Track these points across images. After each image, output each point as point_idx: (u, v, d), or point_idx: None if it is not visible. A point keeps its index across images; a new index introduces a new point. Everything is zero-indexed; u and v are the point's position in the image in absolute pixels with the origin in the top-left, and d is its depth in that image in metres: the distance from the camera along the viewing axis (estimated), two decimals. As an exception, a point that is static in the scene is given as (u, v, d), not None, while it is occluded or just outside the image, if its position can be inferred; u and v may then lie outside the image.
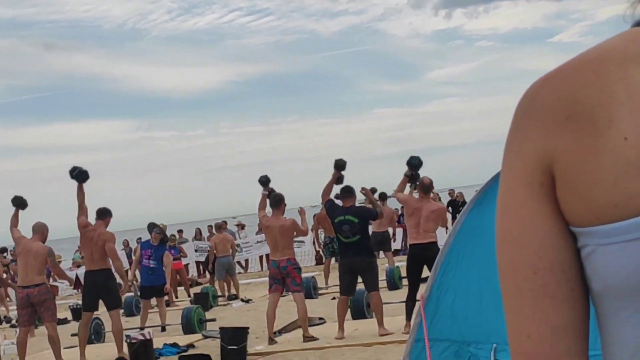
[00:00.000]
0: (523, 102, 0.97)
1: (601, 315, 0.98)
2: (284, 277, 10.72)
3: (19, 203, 11.33)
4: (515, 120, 0.98)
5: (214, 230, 23.45)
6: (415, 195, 10.83)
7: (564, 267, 0.95)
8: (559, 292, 0.95)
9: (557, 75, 0.95)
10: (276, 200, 11.00)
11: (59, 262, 24.47)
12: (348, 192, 10.84)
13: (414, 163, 10.71)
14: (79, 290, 24.60)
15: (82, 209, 11.07)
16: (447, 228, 19.94)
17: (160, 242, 14.12)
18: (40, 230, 11.01)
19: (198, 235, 25.86)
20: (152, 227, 14.45)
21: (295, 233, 11.14)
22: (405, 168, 10.69)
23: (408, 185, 10.90)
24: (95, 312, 11.59)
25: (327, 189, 10.98)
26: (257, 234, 26.67)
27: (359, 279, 10.64)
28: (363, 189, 11.33)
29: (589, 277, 0.97)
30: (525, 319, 0.96)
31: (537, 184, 0.95)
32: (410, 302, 10.02)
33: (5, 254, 22.26)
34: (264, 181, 11.38)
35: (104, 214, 11.20)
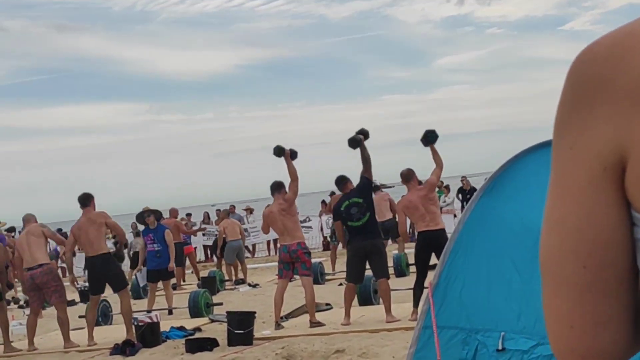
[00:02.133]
0: (589, 75, 0.89)
1: None
2: (294, 262, 10.71)
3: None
4: (576, 94, 0.90)
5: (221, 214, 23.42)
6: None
7: (616, 262, 0.90)
8: (607, 287, 0.91)
9: (636, 47, 0.87)
10: (276, 186, 10.96)
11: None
12: (342, 180, 10.85)
13: (428, 138, 10.68)
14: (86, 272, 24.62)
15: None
16: (455, 215, 19.93)
17: (157, 223, 14.15)
18: (31, 220, 11.21)
19: (206, 219, 25.91)
20: (140, 217, 14.50)
21: (293, 207, 11.01)
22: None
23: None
24: (103, 295, 11.65)
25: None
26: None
27: (367, 266, 10.64)
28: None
29: None
30: (570, 309, 0.92)
31: (601, 168, 0.88)
32: (418, 289, 10.01)
33: (13, 234, 22.26)
34: (278, 150, 11.01)
35: (86, 200, 11.13)
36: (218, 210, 24.99)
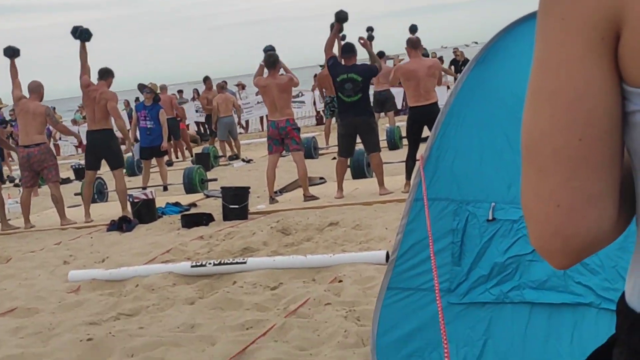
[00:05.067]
0: None
1: None
2: (283, 138, 10.71)
3: (12, 53, 11.19)
4: None
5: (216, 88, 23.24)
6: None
7: (612, 134, 0.88)
8: (601, 160, 0.88)
9: None
10: (272, 61, 10.78)
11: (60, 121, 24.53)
12: (350, 50, 10.62)
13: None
14: (81, 150, 24.76)
15: (85, 68, 10.98)
16: (448, 87, 19.86)
17: (153, 101, 14.11)
18: (37, 90, 10.95)
19: (196, 96, 25.76)
20: (141, 87, 14.42)
21: (290, 89, 10.96)
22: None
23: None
24: (98, 172, 11.67)
25: (330, 44, 10.67)
26: (257, 94, 26.53)
27: (358, 140, 10.63)
28: (361, 38, 11.04)
29: (635, 140, 0.91)
30: (558, 187, 0.88)
31: (599, 38, 0.86)
32: (411, 161, 10.07)
33: (4, 125, 21.80)
34: (268, 49, 11.12)
35: (105, 74, 11.11)
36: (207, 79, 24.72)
